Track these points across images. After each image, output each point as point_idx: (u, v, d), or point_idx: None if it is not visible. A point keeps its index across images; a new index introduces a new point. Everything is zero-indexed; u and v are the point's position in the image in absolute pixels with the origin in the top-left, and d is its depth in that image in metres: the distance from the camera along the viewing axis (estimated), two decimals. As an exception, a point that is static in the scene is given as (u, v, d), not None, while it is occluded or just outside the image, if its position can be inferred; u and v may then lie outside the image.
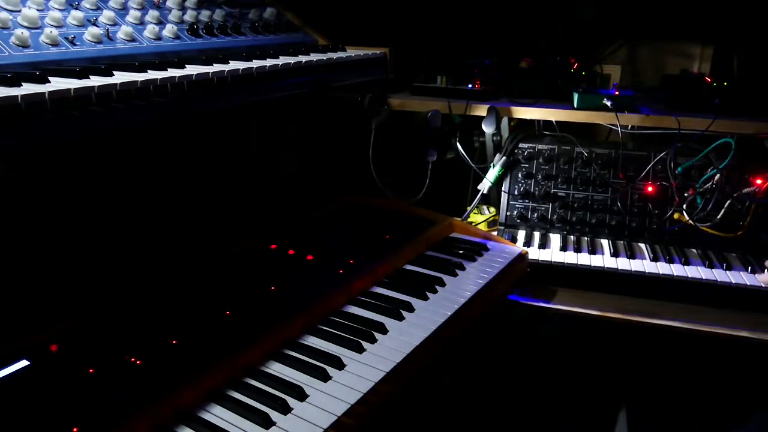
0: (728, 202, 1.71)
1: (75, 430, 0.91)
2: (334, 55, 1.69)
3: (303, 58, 1.55)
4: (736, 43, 2.14)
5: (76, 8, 1.32)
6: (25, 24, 1.21)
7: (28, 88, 0.98)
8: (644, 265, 1.65)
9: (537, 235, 1.83)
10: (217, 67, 1.30)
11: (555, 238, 1.81)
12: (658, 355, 1.75)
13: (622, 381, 1.85)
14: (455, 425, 1.77)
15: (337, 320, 1.29)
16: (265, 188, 1.74)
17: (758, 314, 1.53)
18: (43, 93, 0.98)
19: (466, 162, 1.99)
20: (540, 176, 1.89)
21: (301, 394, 1.05)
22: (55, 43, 1.22)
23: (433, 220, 1.77)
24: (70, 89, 1.01)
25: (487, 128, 1.90)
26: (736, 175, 1.73)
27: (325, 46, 1.82)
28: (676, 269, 1.63)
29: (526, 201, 1.88)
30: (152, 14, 1.45)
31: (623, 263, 1.66)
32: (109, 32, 1.33)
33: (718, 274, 1.60)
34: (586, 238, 1.81)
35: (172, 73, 1.21)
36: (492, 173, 1.92)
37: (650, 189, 1.78)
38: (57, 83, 1.04)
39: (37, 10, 1.25)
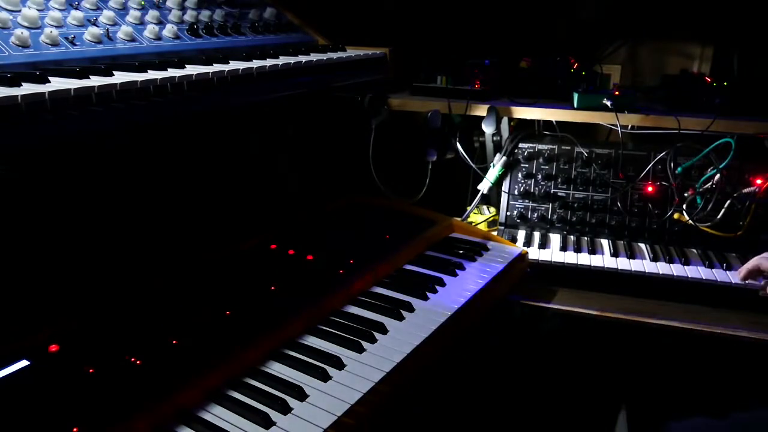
0: (728, 202, 1.71)
1: (75, 430, 0.91)
2: (334, 55, 1.69)
3: (303, 58, 1.55)
4: (736, 43, 2.14)
5: (76, 8, 1.32)
6: (25, 24, 1.21)
7: (28, 88, 0.98)
8: (644, 265, 1.65)
9: (537, 235, 1.83)
10: (217, 67, 1.31)
11: (555, 238, 1.81)
12: (658, 355, 1.75)
13: (622, 381, 1.85)
14: (455, 425, 1.77)
15: (337, 320, 1.29)
16: (265, 188, 1.74)
17: (757, 314, 1.53)
18: (43, 93, 0.98)
19: (466, 162, 1.99)
20: (540, 176, 1.89)
21: (301, 394, 1.05)
22: (55, 43, 1.22)
23: (433, 220, 1.77)
24: (70, 89, 1.01)
25: (487, 128, 1.90)
26: (736, 175, 1.73)
27: (325, 46, 1.82)
28: (676, 269, 1.63)
29: (526, 201, 1.88)
30: (152, 14, 1.45)
31: (623, 263, 1.66)
32: (109, 32, 1.33)
33: (718, 274, 1.60)
34: (586, 238, 1.81)
35: (172, 73, 1.22)
36: (492, 173, 1.92)
37: (650, 189, 1.78)
38: (57, 83, 1.04)
39: (37, 10, 1.25)
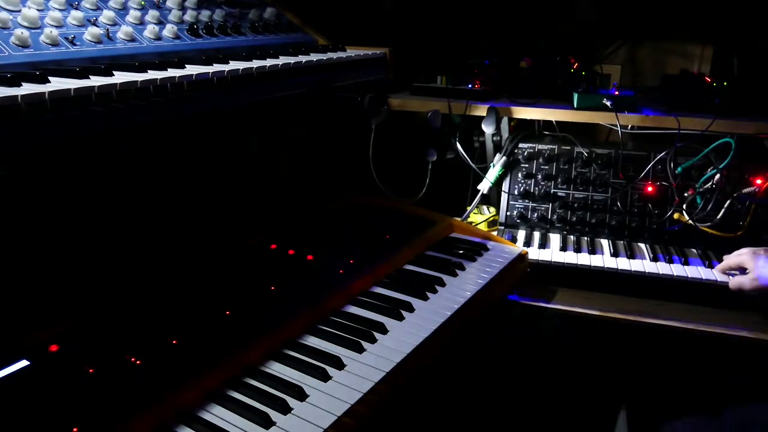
0: (728, 202, 1.71)
1: (75, 430, 0.91)
2: (334, 55, 1.69)
3: (303, 58, 1.55)
4: (736, 43, 2.14)
5: (76, 8, 1.32)
6: (25, 24, 1.21)
7: (28, 88, 0.98)
8: (644, 265, 1.65)
9: (537, 235, 1.83)
10: (217, 67, 1.30)
11: (555, 238, 1.81)
12: (658, 355, 1.75)
13: (622, 381, 1.85)
14: (455, 425, 1.77)
15: (337, 320, 1.29)
16: (265, 188, 1.74)
17: (758, 314, 1.53)
18: (43, 93, 0.98)
19: (466, 162, 1.99)
20: (540, 176, 1.89)
21: (301, 394, 1.05)
22: (55, 43, 1.22)
23: (433, 220, 1.77)
24: (70, 89, 1.01)
25: (487, 128, 1.90)
26: (736, 175, 1.73)
27: (325, 46, 1.82)
28: (676, 269, 1.63)
29: (526, 201, 1.88)
30: (152, 14, 1.45)
31: (623, 263, 1.66)
32: (109, 32, 1.33)
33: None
34: (586, 238, 1.81)
35: (172, 73, 1.22)
36: (492, 173, 1.92)
37: (650, 189, 1.78)
38: (57, 83, 1.04)
39: (37, 10, 1.25)
